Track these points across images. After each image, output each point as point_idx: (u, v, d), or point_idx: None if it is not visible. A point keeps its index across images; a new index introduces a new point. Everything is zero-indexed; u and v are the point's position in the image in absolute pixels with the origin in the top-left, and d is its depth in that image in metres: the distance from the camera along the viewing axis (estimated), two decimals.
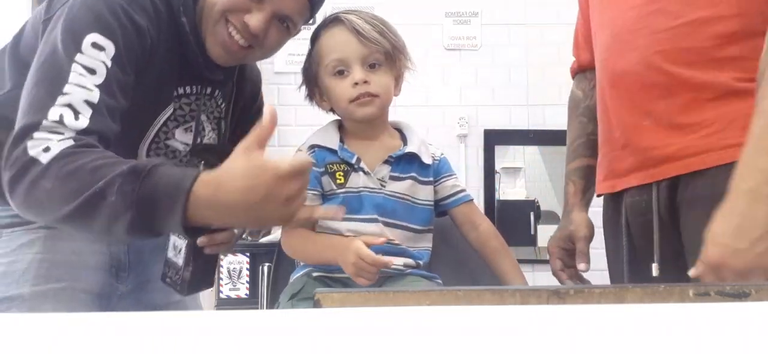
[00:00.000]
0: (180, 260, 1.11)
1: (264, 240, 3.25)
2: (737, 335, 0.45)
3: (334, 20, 1.29)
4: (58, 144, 0.93)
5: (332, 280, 1.27)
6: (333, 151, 1.30)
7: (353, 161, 1.28)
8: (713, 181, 1.01)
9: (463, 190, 1.37)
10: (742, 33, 1.02)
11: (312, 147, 1.31)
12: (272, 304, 1.60)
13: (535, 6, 3.63)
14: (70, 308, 1.11)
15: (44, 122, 0.94)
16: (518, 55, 3.62)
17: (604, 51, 1.21)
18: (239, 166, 0.89)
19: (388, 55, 1.28)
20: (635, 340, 0.44)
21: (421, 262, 1.31)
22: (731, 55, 1.03)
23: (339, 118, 1.37)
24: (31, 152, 0.93)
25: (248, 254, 3.20)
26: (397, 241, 1.28)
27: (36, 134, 0.94)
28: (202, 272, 1.12)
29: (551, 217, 3.59)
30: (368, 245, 1.16)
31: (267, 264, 1.71)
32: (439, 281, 1.33)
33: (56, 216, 0.94)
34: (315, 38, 1.32)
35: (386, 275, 1.25)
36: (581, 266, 1.29)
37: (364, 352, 0.44)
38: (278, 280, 1.62)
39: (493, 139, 3.57)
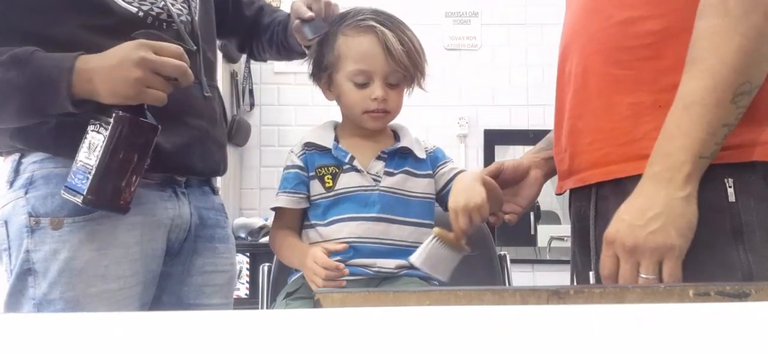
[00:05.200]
0: (92, 159, 1.04)
1: (264, 240, 3.25)
2: (737, 335, 0.45)
3: (368, 28, 1.27)
4: None
5: None
6: (326, 151, 1.30)
7: (346, 160, 1.29)
8: (626, 190, 1.00)
9: (462, 171, 1.36)
10: (668, 31, 0.99)
11: (306, 145, 1.32)
12: (272, 304, 1.60)
13: (535, 6, 3.63)
14: (122, 308, 1.13)
15: None
16: (518, 55, 3.63)
17: (560, 50, 1.20)
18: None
19: (408, 75, 1.30)
20: (635, 340, 0.44)
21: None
22: (661, 56, 1.00)
23: (335, 119, 1.38)
24: None
25: (248, 254, 3.21)
26: (393, 239, 1.28)
27: None
28: (116, 172, 1.04)
29: (551, 217, 3.59)
30: (330, 252, 1.19)
31: (267, 264, 1.71)
32: (436, 282, 1.33)
33: None
34: (342, 32, 1.30)
35: (381, 276, 1.26)
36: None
37: (364, 352, 0.44)
38: (278, 280, 1.62)
39: (493, 139, 3.57)
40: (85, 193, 1.02)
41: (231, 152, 3.52)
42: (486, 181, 1.16)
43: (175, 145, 1.15)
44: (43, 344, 0.47)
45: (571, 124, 1.13)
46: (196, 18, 1.25)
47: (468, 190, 1.13)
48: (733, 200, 0.94)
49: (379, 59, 1.25)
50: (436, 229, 1.16)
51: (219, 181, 3.32)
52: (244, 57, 3.59)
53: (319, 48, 1.33)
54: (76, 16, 1.09)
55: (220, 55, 3.39)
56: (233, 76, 3.58)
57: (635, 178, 0.98)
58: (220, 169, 1.30)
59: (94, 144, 1.05)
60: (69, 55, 1.03)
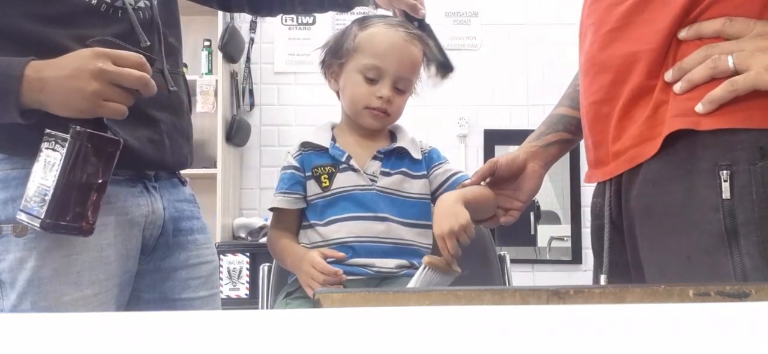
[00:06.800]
0: (49, 180, 0.95)
1: (264, 240, 3.25)
2: (737, 335, 0.45)
3: (394, 29, 1.29)
4: None
5: None
6: (323, 150, 1.31)
7: (343, 159, 1.29)
8: (647, 170, 0.92)
9: (457, 173, 1.36)
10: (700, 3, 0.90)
11: (302, 145, 1.33)
12: (273, 304, 1.60)
13: (535, 6, 3.63)
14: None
15: None
16: (518, 55, 3.63)
17: (580, 27, 1.09)
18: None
19: (415, 84, 1.33)
20: (635, 340, 0.44)
21: (415, 263, 1.31)
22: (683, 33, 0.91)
23: (333, 120, 1.39)
24: None
25: (248, 254, 3.21)
26: (392, 239, 1.28)
27: None
28: (76, 194, 0.96)
29: (551, 217, 3.59)
30: (326, 257, 1.21)
31: (267, 264, 1.71)
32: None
33: None
34: (367, 25, 1.31)
35: (381, 276, 1.26)
36: None
37: (364, 352, 0.44)
38: (278, 280, 1.62)
39: (493, 139, 3.57)
40: (43, 217, 0.94)
41: (231, 152, 3.53)
42: (467, 200, 1.14)
43: (141, 141, 1.09)
44: (42, 345, 0.47)
45: (594, 110, 1.02)
46: (155, 2, 1.15)
47: (450, 214, 1.12)
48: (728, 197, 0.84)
49: (395, 62, 1.27)
50: (426, 258, 1.16)
51: (219, 181, 3.33)
52: (244, 57, 3.59)
53: (338, 35, 1.34)
54: (19, 4, 1.00)
55: (220, 55, 3.40)
56: (233, 76, 3.58)
57: (651, 161, 0.91)
58: (188, 161, 1.25)
59: (50, 163, 0.96)
60: (18, 61, 0.94)
